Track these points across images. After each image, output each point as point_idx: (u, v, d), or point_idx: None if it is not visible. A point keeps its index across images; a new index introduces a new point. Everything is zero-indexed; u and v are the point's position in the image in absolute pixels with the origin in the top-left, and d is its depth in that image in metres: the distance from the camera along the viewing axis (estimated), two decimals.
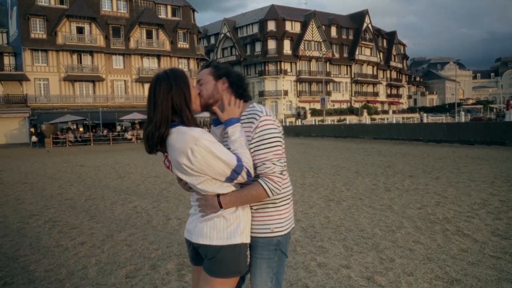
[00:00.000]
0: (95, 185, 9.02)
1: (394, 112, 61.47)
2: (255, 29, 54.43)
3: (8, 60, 36.03)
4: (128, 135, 33.24)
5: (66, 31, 36.16)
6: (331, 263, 3.63)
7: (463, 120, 22.39)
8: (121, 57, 38.92)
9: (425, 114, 24.81)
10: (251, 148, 1.72)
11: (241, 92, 1.87)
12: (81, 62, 37.15)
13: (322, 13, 58.77)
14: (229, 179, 1.68)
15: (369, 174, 9.26)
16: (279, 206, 1.80)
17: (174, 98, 1.67)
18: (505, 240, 4.08)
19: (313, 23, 54.71)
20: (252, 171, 1.70)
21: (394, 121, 26.19)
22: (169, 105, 1.67)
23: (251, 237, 1.78)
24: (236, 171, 1.66)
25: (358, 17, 61.76)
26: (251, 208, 1.80)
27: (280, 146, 1.73)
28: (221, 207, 1.71)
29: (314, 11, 55.39)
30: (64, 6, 36.21)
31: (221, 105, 1.84)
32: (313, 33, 54.73)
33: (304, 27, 54.44)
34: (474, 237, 4.22)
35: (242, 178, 1.68)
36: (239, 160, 1.67)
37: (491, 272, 3.30)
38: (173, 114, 1.68)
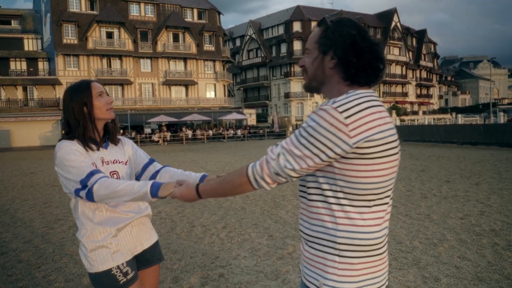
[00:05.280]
0: None
1: (424, 113, 59.54)
2: (281, 30, 54.15)
3: (42, 65, 37.39)
4: (155, 137, 33.69)
5: (96, 36, 37.14)
6: None
7: (502, 121, 21.20)
8: (148, 61, 39.59)
9: (459, 115, 23.64)
10: None
11: (353, 73, 1.21)
12: (110, 66, 38.06)
13: (349, 12, 57.75)
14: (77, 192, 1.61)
15: (402, 178, 8.78)
16: (340, 256, 1.17)
17: (74, 108, 1.70)
18: None
19: None
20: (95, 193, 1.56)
21: (426, 122, 25.22)
22: (70, 114, 1.70)
23: (303, 283, 1.27)
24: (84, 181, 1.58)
25: (386, 16, 60.27)
26: (306, 244, 1.26)
27: (312, 153, 1.11)
28: (199, 197, 1.38)
29: (340, 10, 54.53)
30: (95, 12, 37.23)
31: (328, 89, 1.27)
32: None
33: None
34: None
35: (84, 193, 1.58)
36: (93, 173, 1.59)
37: None
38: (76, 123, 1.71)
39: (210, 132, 36.51)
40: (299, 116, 51.78)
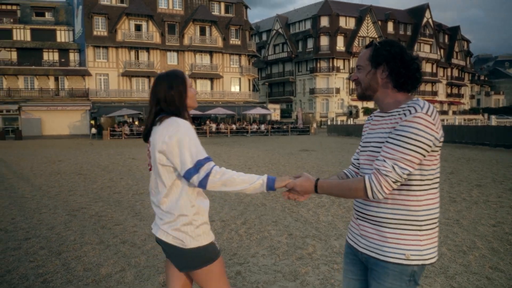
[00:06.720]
0: (143, 179, 9.09)
1: (454, 113, 57.56)
2: (308, 25, 53.46)
3: (73, 56, 38.45)
4: None
5: (125, 29, 37.79)
6: None
7: None
8: (175, 54, 39.97)
9: (492, 116, 22.68)
10: (386, 138, 1.47)
11: (403, 82, 1.52)
12: (138, 58, 38.67)
13: (379, 8, 56.38)
14: (188, 173, 1.65)
15: None
16: (421, 230, 1.48)
17: (173, 94, 1.77)
18: None
19: (369, 18, 52.60)
20: (207, 178, 1.63)
21: (456, 123, 24.35)
22: (171, 101, 1.78)
23: (381, 260, 1.53)
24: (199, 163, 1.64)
25: (418, 12, 58.45)
26: (386, 226, 1.51)
27: (419, 154, 1.41)
28: (316, 191, 1.59)
29: (370, 6, 53.24)
30: (124, 5, 37.85)
31: (381, 95, 1.58)
32: (368, 29, 52.64)
33: (359, 22, 52.53)
34: None
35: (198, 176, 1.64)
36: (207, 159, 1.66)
37: None
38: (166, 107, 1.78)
39: (234, 126, 36.56)
40: (324, 113, 51.13)
